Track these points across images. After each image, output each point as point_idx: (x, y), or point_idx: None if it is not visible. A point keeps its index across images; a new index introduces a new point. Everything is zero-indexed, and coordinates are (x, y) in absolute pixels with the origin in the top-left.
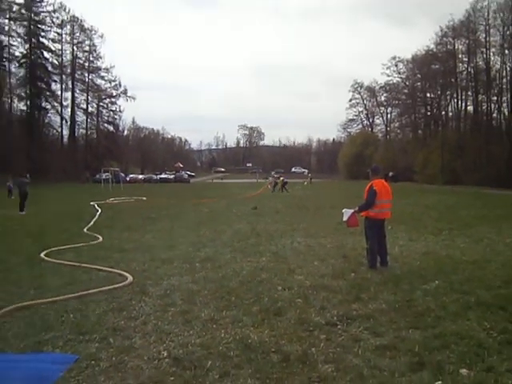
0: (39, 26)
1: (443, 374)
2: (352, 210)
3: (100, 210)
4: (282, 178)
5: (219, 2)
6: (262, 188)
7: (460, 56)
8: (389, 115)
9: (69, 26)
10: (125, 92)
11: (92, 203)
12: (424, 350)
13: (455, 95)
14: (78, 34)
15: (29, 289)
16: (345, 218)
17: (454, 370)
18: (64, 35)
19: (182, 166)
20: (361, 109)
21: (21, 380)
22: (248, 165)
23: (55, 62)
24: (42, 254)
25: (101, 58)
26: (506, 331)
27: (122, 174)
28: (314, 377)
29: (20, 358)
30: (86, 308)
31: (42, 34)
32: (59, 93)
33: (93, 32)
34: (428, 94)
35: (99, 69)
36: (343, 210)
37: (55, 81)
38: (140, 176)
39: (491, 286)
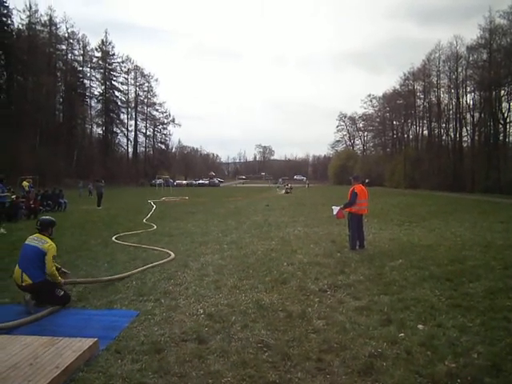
0: (112, 72)
1: (405, 328)
2: (339, 207)
3: (155, 206)
4: (290, 185)
5: (243, 54)
6: (284, 190)
7: (418, 94)
8: (365, 137)
9: (133, 73)
10: (173, 120)
11: (149, 201)
12: (391, 310)
13: (414, 123)
14: (139, 79)
15: (103, 263)
16: (334, 213)
17: (413, 326)
18: (129, 79)
19: (214, 174)
20: (345, 133)
21: (98, 328)
22: (262, 173)
23: (123, 98)
24: (113, 238)
25: (156, 95)
26: (452, 297)
27: (171, 180)
28: (310, 329)
29: (97, 313)
30: (144, 277)
31: (114, 78)
32: (126, 121)
33: (150, 77)
34: (394, 122)
35: (155, 104)
36: (332, 207)
37: (123, 112)
38: (184, 181)
39: (441, 264)
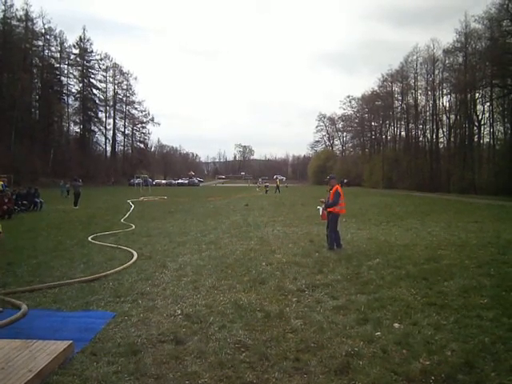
0: (90, 70)
1: (381, 327)
2: (323, 208)
3: (133, 206)
4: (266, 184)
5: (222, 54)
6: (260, 189)
7: (396, 95)
8: (344, 138)
9: (111, 70)
10: (152, 119)
11: (128, 201)
12: (368, 309)
13: (392, 124)
14: (118, 76)
15: (79, 264)
16: (320, 213)
17: (389, 324)
18: (108, 77)
19: (193, 173)
20: (324, 133)
21: (73, 331)
22: (242, 173)
23: (101, 96)
24: (90, 238)
25: (135, 94)
26: (427, 296)
27: (150, 180)
28: (288, 329)
29: (73, 315)
30: (121, 278)
31: (92, 76)
32: (104, 119)
33: (129, 75)
34: (373, 123)
35: (133, 102)
36: (318, 207)
37: (101, 110)
38: (163, 181)
39: (417, 263)
